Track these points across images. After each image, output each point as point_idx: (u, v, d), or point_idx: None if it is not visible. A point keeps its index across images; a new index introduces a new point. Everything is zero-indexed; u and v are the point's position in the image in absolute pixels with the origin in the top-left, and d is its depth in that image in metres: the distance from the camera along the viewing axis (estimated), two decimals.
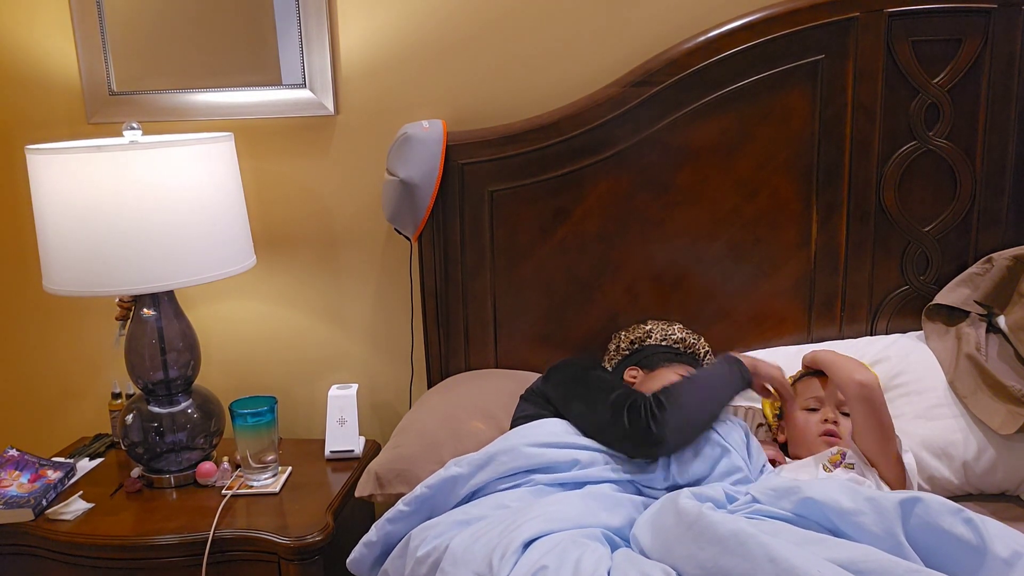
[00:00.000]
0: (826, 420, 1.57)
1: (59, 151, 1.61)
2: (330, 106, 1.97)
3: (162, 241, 1.63)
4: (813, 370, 1.66)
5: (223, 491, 1.76)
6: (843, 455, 1.49)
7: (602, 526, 1.25)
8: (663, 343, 1.76)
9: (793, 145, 1.82)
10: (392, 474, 1.60)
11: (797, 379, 1.68)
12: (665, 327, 1.80)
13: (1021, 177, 1.79)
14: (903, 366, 1.72)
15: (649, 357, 1.71)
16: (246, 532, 1.63)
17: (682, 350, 1.75)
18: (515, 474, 1.38)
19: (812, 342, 1.87)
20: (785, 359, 1.78)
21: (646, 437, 1.37)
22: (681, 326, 1.82)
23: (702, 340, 1.81)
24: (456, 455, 1.52)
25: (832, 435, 1.56)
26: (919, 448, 1.59)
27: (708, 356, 1.79)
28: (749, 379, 1.52)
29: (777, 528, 1.13)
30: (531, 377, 1.77)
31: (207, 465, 1.82)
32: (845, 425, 1.57)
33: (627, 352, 1.77)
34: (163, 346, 1.79)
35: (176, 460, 1.82)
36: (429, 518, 1.36)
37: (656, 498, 1.35)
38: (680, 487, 1.35)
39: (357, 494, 1.63)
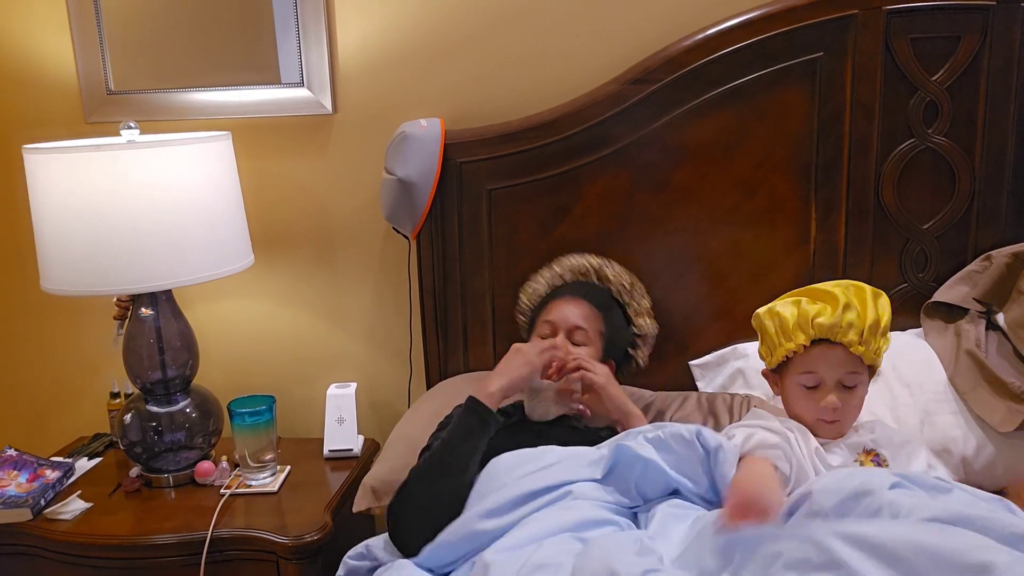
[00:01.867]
0: (820, 405, 1.41)
1: (57, 151, 1.61)
2: (328, 105, 1.97)
3: (160, 240, 1.62)
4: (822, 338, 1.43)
5: (221, 490, 1.76)
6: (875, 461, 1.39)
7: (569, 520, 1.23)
8: (532, 307, 1.78)
9: (791, 143, 1.82)
10: (387, 486, 1.60)
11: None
12: (533, 282, 1.83)
13: (1020, 174, 1.79)
14: (902, 363, 1.71)
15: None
16: (244, 531, 1.62)
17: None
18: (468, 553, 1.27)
19: None
20: None
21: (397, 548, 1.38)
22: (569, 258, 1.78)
23: (611, 263, 1.72)
24: None
25: (828, 421, 1.43)
26: None
27: (629, 282, 1.76)
28: (484, 416, 1.43)
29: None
30: None
31: (205, 464, 1.82)
32: (849, 403, 1.42)
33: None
34: (161, 345, 1.79)
35: (174, 459, 1.81)
36: None
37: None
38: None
39: (355, 509, 1.64)
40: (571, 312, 1.62)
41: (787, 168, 1.83)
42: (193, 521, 1.66)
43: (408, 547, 1.34)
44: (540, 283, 1.80)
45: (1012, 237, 1.80)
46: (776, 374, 1.51)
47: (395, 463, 1.64)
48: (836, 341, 1.40)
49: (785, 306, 1.46)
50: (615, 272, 1.79)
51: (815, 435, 1.43)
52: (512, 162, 1.87)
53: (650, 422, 1.54)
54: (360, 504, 1.63)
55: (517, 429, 1.54)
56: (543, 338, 1.61)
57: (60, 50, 2.02)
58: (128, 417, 1.80)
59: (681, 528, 1.24)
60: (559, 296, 1.68)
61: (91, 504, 1.74)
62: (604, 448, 1.36)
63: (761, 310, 1.50)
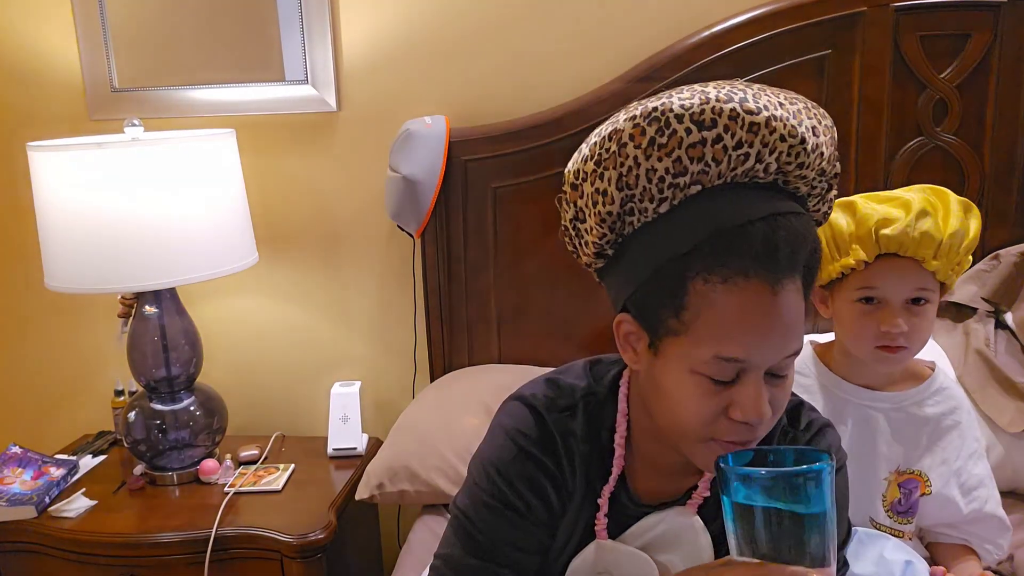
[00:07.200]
0: (883, 327, 1.17)
1: (61, 148, 1.61)
2: (332, 102, 1.96)
3: (164, 238, 1.62)
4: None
5: (226, 488, 1.76)
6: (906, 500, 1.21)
7: None
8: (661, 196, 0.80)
9: None
10: (390, 473, 1.60)
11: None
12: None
13: None
14: None
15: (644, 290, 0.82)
16: (249, 530, 1.62)
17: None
18: None
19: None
20: None
21: None
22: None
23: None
24: (451, 451, 1.60)
25: (891, 349, 1.18)
26: None
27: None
28: None
29: None
30: (530, 371, 1.64)
31: (210, 462, 1.82)
32: (918, 326, 1.16)
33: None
34: (165, 343, 1.79)
35: (179, 457, 1.81)
36: None
37: None
38: None
39: (358, 497, 1.64)
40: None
41: None
42: (197, 519, 1.66)
43: None
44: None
45: (1021, 236, 1.78)
46: (826, 291, 1.25)
47: (398, 450, 1.64)
48: (906, 255, 1.15)
49: (838, 213, 1.19)
50: None
51: (870, 372, 1.23)
52: (517, 160, 1.86)
53: None
54: (363, 492, 1.63)
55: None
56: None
57: (64, 47, 2.02)
58: (132, 415, 1.80)
59: None
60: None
61: (95, 502, 1.74)
62: None
63: None
